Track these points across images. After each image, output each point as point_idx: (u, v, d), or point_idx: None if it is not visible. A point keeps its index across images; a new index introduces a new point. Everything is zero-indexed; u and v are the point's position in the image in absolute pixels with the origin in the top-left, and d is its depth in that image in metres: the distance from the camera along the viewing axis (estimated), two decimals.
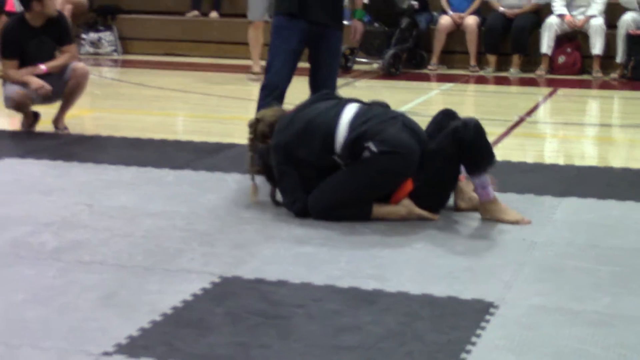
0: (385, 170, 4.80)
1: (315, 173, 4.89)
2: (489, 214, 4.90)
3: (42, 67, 6.97)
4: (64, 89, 7.09)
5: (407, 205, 4.85)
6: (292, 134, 4.89)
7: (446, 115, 5.09)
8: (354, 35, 6.23)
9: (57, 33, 7.06)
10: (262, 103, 5.77)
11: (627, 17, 10.69)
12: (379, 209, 4.85)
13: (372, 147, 4.77)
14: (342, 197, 4.81)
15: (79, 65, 7.21)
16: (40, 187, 5.49)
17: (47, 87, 6.88)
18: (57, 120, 7.22)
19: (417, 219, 4.84)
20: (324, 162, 4.88)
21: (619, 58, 10.70)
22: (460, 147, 4.79)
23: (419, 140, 4.87)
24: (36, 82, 6.87)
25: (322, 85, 5.89)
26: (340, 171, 4.87)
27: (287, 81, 5.88)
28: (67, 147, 6.66)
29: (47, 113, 7.29)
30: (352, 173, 4.83)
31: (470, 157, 4.83)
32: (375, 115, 4.92)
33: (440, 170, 4.87)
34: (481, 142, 4.87)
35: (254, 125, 5.11)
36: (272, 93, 5.77)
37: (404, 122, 4.93)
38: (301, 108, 5.07)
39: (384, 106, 5.13)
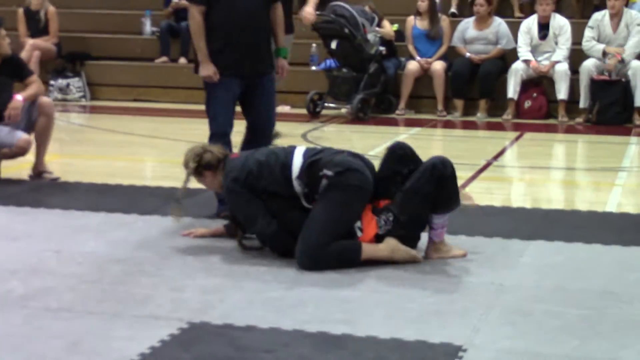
0: (348, 186, 4.89)
1: (278, 204, 4.97)
2: (439, 254, 5.01)
3: (19, 98, 6.92)
4: (32, 128, 7.03)
5: (392, 244, 4.88)
6: (251, 169, 5.00)
7: (400, 155, 5.15)
8: (281, 73, 6.34)
9: (15, 70, 7.04)
10: None
11: (588, 63, 10.84)
12: (366, 248, 4.87)
13: (328, 172, 4.89)
14: (324, 232, 4.82)
15: (43, 99, 7.16)
16: (7, 233, 5.45)
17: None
18: (38, 165, 7.12)
19: (402, 257, 4.87)
20: (285, 190, 4.97)
21: (582, 103, 10.84)
22: (437, 185, 4.84)
23: (367, 166, 5.05)
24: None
25: (263, 127, 6.09)
26: (310, 215, 4.89)
27: (232, 127, 6.05)
28: (34, 193, 6.62)
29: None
30: (321, 208, 4.88)
31: (445, 194, 4.89)
32: (324, 149, 5.13)
33: (418, 210, 4.91)
34: (455, 181, 4.96)
35: (200, 154, 5.18)
36: (221, 140, 5.85)
37: (350, 153, 5.13)
38: (252, 152, 5.23)
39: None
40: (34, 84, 7.07)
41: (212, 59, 5.98)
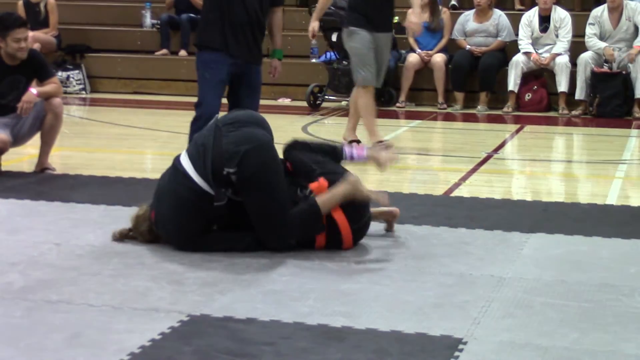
0: (257, 170, 4.75)
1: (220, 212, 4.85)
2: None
3: (34, 92, 6.90)
4: (38, 127, 7.02)
5: (352, 179, 4.89)
6: (168, 206, 4.89)
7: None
8: (273, 73, 6.62)
9: (33, 70, 6.97)
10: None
11: (586, 55, 10.84)
12: (321, 199, 4.83)
13: (230, 169, 4.74)
14: (275, 214, 4.78)
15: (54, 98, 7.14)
16: (6, 226, 5.45)
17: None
18: (42, 162, 7.09)
19: (366, 190, 4.91)
20: (204, 205, 4.81)
21: (578, 95, 10.83)
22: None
23: (256, 122, 4.97)
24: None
25: None
26: (249, 211, 4.81)
27: (218, 112, 6.17)
28: (35, 185, 6.62)
29: (12, 152, 7.25)
30: (255, 199, 4.80)
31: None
32: (202, 144, 4.87)
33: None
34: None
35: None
36: (205, 124, 5.89)
37: (233, 121, 4.95)
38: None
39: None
40: (53, 85, 7.03)
41: (207, 30, 6.26)
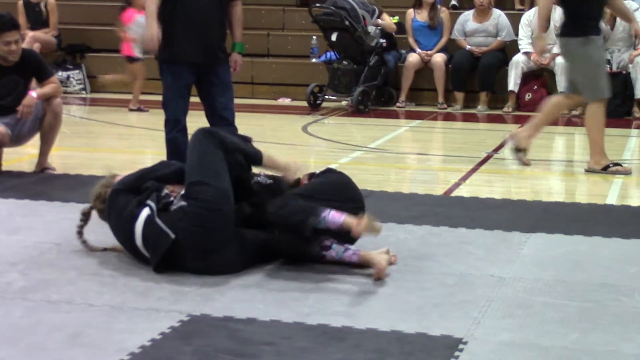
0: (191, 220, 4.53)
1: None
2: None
3: (34, 95, 6.89)
4: (37, 127, 7.01)
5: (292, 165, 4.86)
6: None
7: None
8: (234, 67, 6.54)
9: (30, 70, 6.96)
10: (170, 137, 6.38)
11: None
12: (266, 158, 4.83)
13: (185, 204, 4.57)
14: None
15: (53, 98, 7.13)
16: (7, 226, 5.45)
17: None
18: (42, 162, 7.09)
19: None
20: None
21: None
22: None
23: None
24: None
25: (219, 116, 6.34)
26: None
27: (185, 114, 6.37)
28: (35, 185, 6.62)
29: (12, 152, 7.26)
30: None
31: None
32: (146, 188, 4.77)
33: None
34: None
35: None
36: (175, 127, 6.34)
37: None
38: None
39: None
40: (52, 85, 7.01)
41: (167, 45, 6.23)
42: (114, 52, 12.78)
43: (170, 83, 6.32)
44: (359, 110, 10.89)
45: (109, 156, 8.13)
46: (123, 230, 4.70)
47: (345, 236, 4.58)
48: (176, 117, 6.33)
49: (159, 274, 4.50)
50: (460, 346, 3.66)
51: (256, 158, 4.84)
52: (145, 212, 4.58)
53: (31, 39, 11.89)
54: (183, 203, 4.56)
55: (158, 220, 4.53)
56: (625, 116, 10.71)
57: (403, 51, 11.68)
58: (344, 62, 11.16)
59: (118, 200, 4.75)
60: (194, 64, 6.28)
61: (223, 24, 6.44)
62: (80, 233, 4.94)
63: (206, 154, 4.65)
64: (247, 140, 4.97)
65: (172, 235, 4.47)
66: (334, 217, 4.49)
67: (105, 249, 4.88)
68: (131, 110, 10.76)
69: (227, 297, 4.23)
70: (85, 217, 4.97)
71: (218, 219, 4.49)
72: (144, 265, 4.62)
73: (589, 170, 7.43)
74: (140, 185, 4.79)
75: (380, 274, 4.49)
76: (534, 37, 7.33)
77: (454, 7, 12.41)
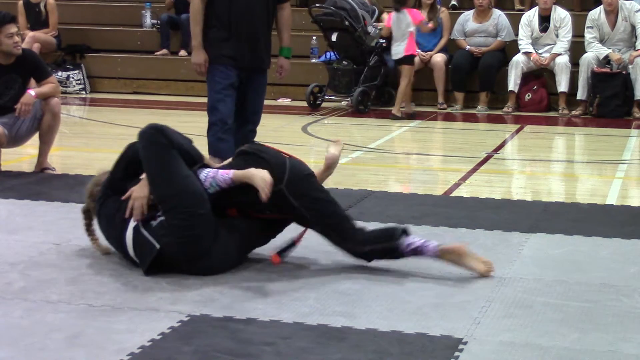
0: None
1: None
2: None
3: (32, 93, 6.88)
4: (36, 127, 7.00)
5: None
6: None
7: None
8: (279, 72, 6.50)
9: (29, 70, 6.95)
10: (214, 139, 6.16)
11: (589, 56, 10.83)
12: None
13: (163, 219, 4.55)
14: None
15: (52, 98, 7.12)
16: (6, 226, 5.45)
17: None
18: (41, 162, 7.09)
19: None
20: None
21: (580, 95, 10.83)
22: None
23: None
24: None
25: (247, 120, 6.30)
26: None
27: (233, 116, 6.21)
28: (34, 185, 6.62)
29: (12, 152, 7.25)
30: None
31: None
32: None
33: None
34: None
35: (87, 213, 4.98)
36: (222, 129, 6.15)
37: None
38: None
39: None
40: (51, 85, 7.00)
41: (215, 47, 6.11)
42: (113, 52, 12.81)
43: (220, 83, 6.15)
44: (358, 110, 10.89)
45: (109, 156, 8.10)
46: (114, 238, 4.73)
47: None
48: (225, 119, 6.15)
49: (157, 275, 4.49)
50: (460, 346, 3.66)
51: (200, 160, 4.77)
52: (132, 222, 4.61)
53: (31, 39, 11.89)
54: (162, 218, 4.56)
55: (143, 231, 4.55)
56: (625, 116, 10.71)
57: None
58: (344, 62, 11.15)
59: (107, 205, 4.77)
60: (242, 68, 6.18)
61: (270, 28, 6.34)
62: (89, 231, 4.94)
63: (163, 159, 4.63)
64: (190, 141, 4.92)
65: (157, 245, 4.48)
66: (222, 174, 4.53)
67: (108, 253, 4.87)
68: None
69: (227, 297, 4.23)
70: (88, 215, 4.97)
71: (199, 224, 4.49)
72: None
73: None
74: (125, 185, 4.80)
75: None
76: None
77: (453, 7, 12.40)
